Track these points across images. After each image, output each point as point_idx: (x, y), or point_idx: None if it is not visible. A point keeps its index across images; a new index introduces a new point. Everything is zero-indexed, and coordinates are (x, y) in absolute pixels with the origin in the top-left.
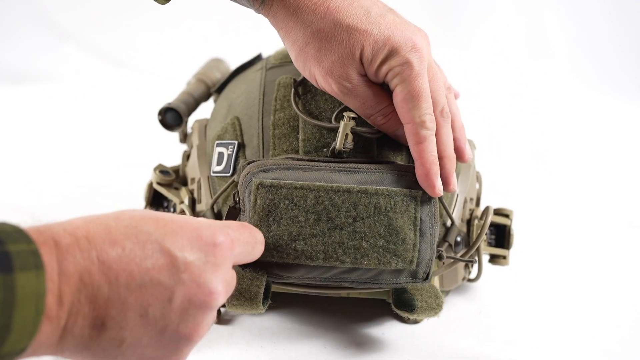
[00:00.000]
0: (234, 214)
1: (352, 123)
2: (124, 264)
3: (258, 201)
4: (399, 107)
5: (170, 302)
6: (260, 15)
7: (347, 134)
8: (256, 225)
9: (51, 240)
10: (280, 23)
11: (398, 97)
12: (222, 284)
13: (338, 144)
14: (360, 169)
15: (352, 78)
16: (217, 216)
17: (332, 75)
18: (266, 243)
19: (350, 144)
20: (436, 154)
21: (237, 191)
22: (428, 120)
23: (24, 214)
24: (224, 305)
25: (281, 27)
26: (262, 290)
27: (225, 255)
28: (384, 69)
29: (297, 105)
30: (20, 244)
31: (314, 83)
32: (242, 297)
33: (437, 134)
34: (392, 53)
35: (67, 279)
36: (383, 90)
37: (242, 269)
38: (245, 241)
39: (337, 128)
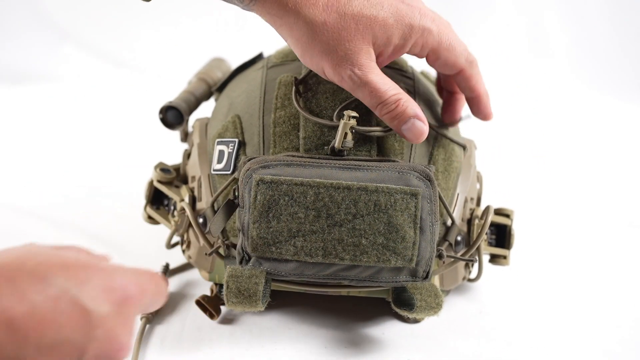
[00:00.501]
0: (232, 206)
1: (352, 122)
2: (35, 322)
3: (258, 197)
4: (443, 65)
5: (80, 359)
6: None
7: (346, 133)
8: (256, 222)
9: None
10: (278, 20)
11: (437, 59)
12: (129, 337)
13: (337, 142)
14: (360, 166)
15: (363, 65)
16: None
17: (343, 66)
18: (265, 239)
19: (349, 143)
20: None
21: (237, 187)
22: (474, 59)
23: (23, 213)
24: (223, 303)
25: (280, 25)
26: (261, 288)
27: (135, 309)
28: (408, 45)
29: (298, 102)
30: None
31: (322, 75)
32: (241, 295)
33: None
34: (407, 28)
35: None
36: (390, 78)
37: (241, 266)
38: (152, 292)
39: (338, 126)
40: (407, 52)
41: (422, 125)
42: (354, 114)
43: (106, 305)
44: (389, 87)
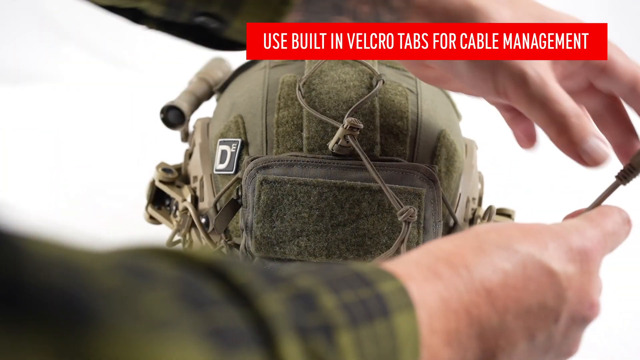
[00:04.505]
0: (235, 206)
1: (349, 132)
2: (509, 289)
3: (262, 197)
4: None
5: (556, 323)
6: None
7: (340, 139)
8: (259, 221)
9: (426, 273)
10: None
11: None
12: (598, 294)
13: (330, 144)
14: (364, 166)
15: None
16: None
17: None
18: (269, 239)
19: (342, 150)
20: None
21: (240, 186)
22: None
23: (23, 213)
24: None
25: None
26: None
27: (597, 262)
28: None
29: (302, 99)
30: (386, 282)
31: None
32: None
33: None
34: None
35: (455, 316)
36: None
37: None
38: (611, 231)
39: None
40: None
41: (604, 147)
42: (359, 125)
43: (570, 265)
44: (568, 99)
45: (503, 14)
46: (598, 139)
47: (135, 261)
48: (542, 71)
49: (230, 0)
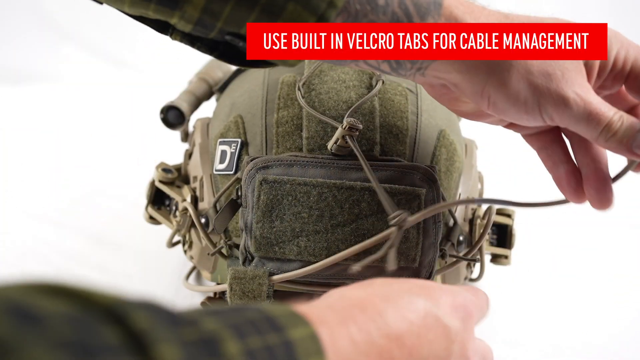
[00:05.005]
0: (235, 206)
1: (348, 132)
2: (415, 337)
3: (262, 197)
4: None
5: None
6: None
7: (338, 139)
8: (259, 221)
9: (340, 316)
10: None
11: None
12: (474, 351)
13: (329, 144)
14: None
15: (583, 85)
16: None
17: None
18: (269, 239)
19: (341, 150)
20: None
21: (240, 186)
22: None
23: (24, 213)
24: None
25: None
26: (265, 289)
27: (474, 323)
28: (611, 58)
29: (301, 99)
30: (297, 328)
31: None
32: (245, 296)
33: None
34: (610, 43)
35: (367, 359)
36: None
37: (244, 267)
38: (480, 307)
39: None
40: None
41: None
42: (358, 125)
43: (456, 320)
44: (608, 107)
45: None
46: None
47: (27, 301)
48: (581, 91)
49: (263, 21)
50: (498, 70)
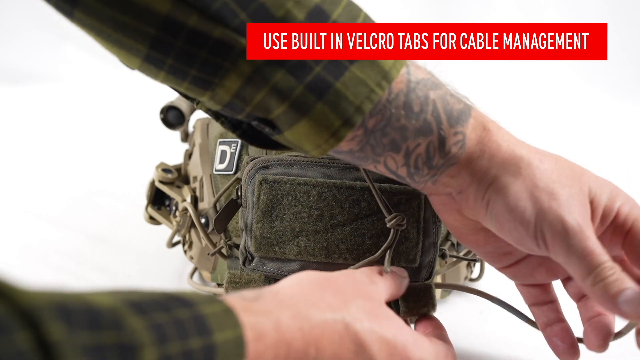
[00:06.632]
0: (235, 206)
1: None
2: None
3: (261, 197)
4: None
5: None
6: None
7: None
8: (259, 221)
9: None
10: (493, 168)
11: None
12: None
13: None
14: None
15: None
16: None
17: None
18: (269, 239)
19: None
20: None
21: (240, 186)
22: None
23: (24, 213)
24: None
25: (499, 174)
26: None
27: None
28: (614, 209)
29: None
30: (225, 330)
31: (536, 244)
32: None
33: None
34: (613, 192)
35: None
36: None
37: (241, 271)
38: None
39: None
40: (617, 220)
41: None
42: None
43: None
44: (604, 251)
45: (545, 165)
46: (634, 291)
47: None
48: (582, 221)
49: (290, 115)
50: (505, 175)
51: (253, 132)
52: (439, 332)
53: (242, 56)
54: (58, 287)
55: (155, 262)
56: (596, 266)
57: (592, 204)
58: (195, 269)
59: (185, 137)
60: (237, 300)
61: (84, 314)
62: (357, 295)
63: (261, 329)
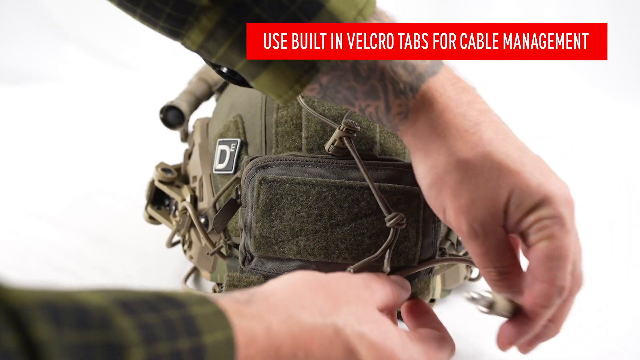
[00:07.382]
0: (234, 205)
1: (346, 134)
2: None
3: (261, 196)
4: (539, 263)
5: None
6: None
7: (336, 140)
8: (258, 221)
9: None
10: (421, 143)
11: (540, 252)
12: None
13: (327, 145)
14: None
15: (487, 223)
16: None
17: (466, 214)
18: (268, 238)
19: (338, 152)
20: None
21: (240, 186)
22: (566, 287)
23: (23, 213)
24: None
25: (420, 148)
26: None
27: None
28: (531, 219)
29: (301, 99)
30: (215, 332)
31: (440, 216)
32: None
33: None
34: (543, 203)
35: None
36: (510, 245)
37: (240, 273)
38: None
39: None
40: (521, 226)
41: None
42: (355, 127)
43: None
44: (500, 257)
45: (469, 155)
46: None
47: None
48: (477, 226)
49: (251, 68)
50: (423, 150)
51: (231, 71)
52: (428, 320)
53: (203, 12)
54: (47, 284)
55: (155, 262)
56: (490, 266)
57: (506, 212)
58: (190, 273)
59: (185, 136)
60: (229, 302)
61: (73, 313)
62: (350, 299)
63: (252, 334)
